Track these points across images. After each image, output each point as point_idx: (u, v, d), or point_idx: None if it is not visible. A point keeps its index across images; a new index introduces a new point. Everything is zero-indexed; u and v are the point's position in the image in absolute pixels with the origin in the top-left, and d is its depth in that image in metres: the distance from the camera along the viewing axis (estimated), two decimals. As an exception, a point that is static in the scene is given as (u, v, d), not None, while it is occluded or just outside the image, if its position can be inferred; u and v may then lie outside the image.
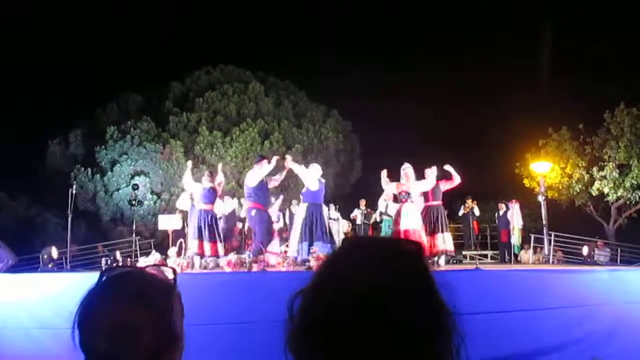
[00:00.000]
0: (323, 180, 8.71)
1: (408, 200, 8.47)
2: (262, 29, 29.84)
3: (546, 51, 23.11)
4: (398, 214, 8.58)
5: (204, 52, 25.24)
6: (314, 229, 8.07)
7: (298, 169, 8.65)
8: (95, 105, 22.43)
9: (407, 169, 8.62)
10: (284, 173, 9.15)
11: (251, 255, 7.77)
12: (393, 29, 30.71)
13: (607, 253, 14.83)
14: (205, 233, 8.53)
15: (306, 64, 23.79)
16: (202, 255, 8.48)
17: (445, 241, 8.85)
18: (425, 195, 9.09)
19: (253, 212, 8.48)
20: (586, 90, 19.63)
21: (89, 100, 22.38)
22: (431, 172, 8.69)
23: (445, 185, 9.05)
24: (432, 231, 8.84)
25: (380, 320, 0.72)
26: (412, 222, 8.32)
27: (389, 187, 8.82)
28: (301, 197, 8.70)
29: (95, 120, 21.92)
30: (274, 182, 9.10)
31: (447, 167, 9.03)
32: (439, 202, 9.07)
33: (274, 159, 8.88)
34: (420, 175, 8.76)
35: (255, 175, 8.62)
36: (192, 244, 8.59)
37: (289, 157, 8.88)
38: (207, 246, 8.52)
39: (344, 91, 24.20)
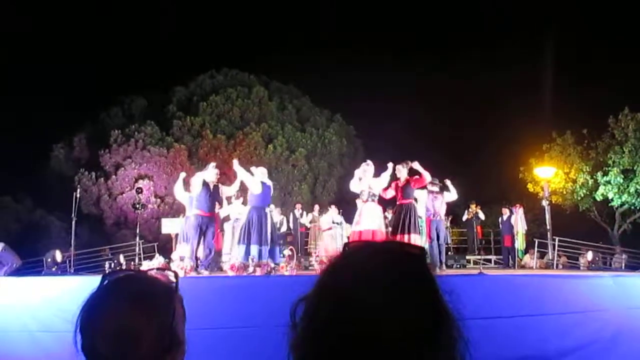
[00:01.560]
0: (269, 183, 8.58)
1: (368, 199, 8.28)
2: (266, 34, 29.93)
3: (550, 55, 23.08)
4: (358, 214, 8.41)
5: (208, 56, 25.39)
6: (252, 232, 8.02)
7: (241, 173, 8.48)
8: (99, 109, 22.56)
9: (365, 167, 8.45)
10: (238, 182, 8.90)
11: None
12: (396, 35, 30.74)
13: (623, 259, 14.78)
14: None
15: (310, 69, 23.85)
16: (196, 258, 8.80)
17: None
18: (395, 194, 8.87)
19: (192, 218, 8.44)
20: (590, 94, 19.60)
21: (93, 104, 22.51)
22: (401, 169, 8.55)
23: (415, 184, 8.72)
24: (400, 231, 8.51)
25: (383, 326, 0.72)
26: (371, 223, 8.13)
27: (355, 187, 8.55)
28: (248, 200, 8.68)
29: (99, 124, 22.01)
30: (227, 191, 9.02)
31: (415, 165, 8.74)
32: (409, 201, 8.73)
33: (210, 165, 8.80)
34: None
35: (195, 181, 8.57)
36: (181, 248, 8.96)
37: (235, 161, 8.79)
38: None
39: (347, 96, 24.26)
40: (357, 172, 8.56)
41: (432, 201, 9.74)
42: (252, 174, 8.55)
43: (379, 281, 0.75)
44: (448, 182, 9.78)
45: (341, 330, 0.72)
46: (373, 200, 8.33)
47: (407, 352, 0.72)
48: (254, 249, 7.90)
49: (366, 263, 0.78)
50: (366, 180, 8.38)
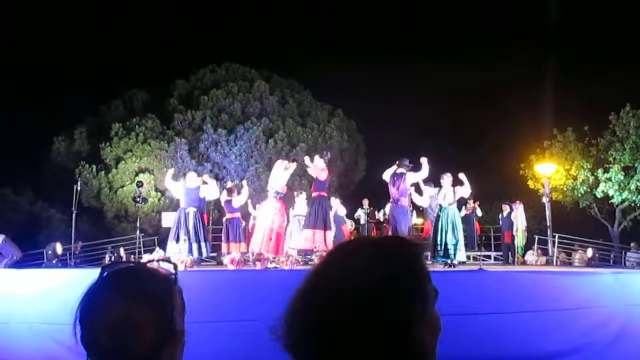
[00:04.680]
0: (191, 187, 8.89)
1: (270, 196, 8.40)
2: (267, 28, 29.89)
3: (552, 52, 23.02)
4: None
5: (210, 50, 25.32)
6: (176, 231, 8.50)
7: (168, 183, 9.22)
8: (100, 103, 22.53)
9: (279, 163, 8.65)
10: (245, 192, 10.07)
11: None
12: (397, 30, 30.69)
13: (638, 255, 14.74)
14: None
15: (311, 63, 23.81)
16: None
17: (316, 239, 8.12)
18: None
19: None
20: (592, 91, 19.57)
21: (94, 98, 22.48)
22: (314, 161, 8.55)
23: (321, 175, 8.43)
24: (311, 226, 8.27)
25: (370, 318, 0.73)
26: (263, 221, 8.26)
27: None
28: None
29: (100, 117, 22.00)
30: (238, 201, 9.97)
31: (307, 161, 8.79)
32: (317, 193, 8.46)
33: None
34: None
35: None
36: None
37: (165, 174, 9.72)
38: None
39: (348, 91, 24.25)
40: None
41: (393, 185, 8.50)
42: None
43: (369, 276, 0.76)
44: (423, 160, 8.52)
45: (331, 323, 0.74)
46: (274, 197, 8.37)
47: (392, 344, 0.73)
48: (184, 246, 8.37)
49: (358, 258, 0.79)
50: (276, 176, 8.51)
